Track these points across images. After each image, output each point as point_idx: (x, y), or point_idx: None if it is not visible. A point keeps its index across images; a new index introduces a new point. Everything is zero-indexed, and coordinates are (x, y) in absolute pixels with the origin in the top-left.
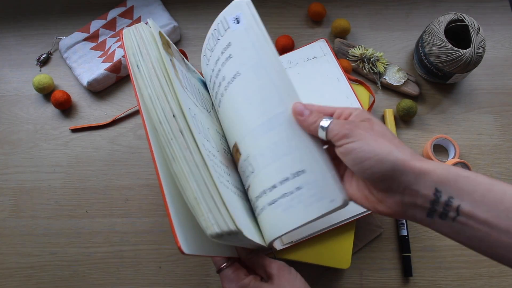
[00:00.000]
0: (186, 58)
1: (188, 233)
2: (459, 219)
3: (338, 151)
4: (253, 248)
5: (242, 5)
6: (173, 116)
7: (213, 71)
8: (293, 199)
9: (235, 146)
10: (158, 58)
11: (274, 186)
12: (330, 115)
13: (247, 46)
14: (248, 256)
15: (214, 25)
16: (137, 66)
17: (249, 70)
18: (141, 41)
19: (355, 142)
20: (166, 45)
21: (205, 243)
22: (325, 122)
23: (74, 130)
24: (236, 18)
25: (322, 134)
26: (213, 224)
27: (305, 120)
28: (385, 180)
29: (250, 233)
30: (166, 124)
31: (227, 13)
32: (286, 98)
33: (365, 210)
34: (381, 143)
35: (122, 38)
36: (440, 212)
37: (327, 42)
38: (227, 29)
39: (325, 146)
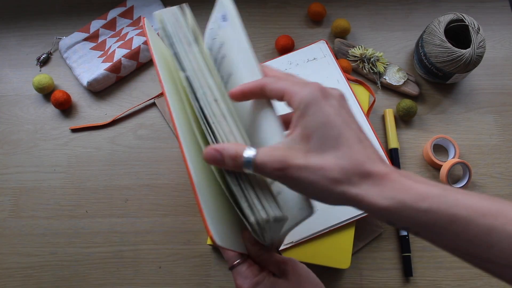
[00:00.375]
0: None
1: (218, 226)
2: (421, 234)
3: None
4: (271, 243)
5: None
6: (215, 100)
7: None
8: None
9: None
10: (194, 40)
11: None
12: (281, 97)
13: (234, 45)
14: (258, 253)
15: (210, 23)
16: (173, 47)
17: (239, 70)
18: (177, 23)
19: (294, 188)
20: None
21: (229, 237)
22: (248, 153)
23: (74, 130)
24: (223, 16)
25: (249, 171)
26: (260, 210)
27: (224, 163)
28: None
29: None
30: (208, 108)
31: (217, 10)
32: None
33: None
34: (322, 181)
35: (155, 18)
36: (399, 227)
37: (327, 43)
38: (220, 27)
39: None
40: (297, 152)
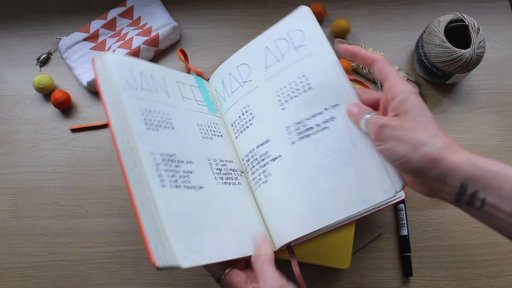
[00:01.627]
0: (186, 57)
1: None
2: (485, 208)
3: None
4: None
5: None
6: (131, 149)
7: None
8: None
9: None
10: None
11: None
12: (383, 80)
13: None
14: (253, 260)
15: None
16: (103, 94)
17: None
18: (104, 72)
19: (383, 145)
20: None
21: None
22: (365, 117)
23: (74, 130)
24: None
25: (363, 127)
26: (158, 258)
27: (353, 117)
28: (413, 173)
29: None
30: (125, 154)
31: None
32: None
33: (364, 211)
34: (407, 142)
35: (94, 64)
36: (466, 201)
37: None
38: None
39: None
40: (395, 120)
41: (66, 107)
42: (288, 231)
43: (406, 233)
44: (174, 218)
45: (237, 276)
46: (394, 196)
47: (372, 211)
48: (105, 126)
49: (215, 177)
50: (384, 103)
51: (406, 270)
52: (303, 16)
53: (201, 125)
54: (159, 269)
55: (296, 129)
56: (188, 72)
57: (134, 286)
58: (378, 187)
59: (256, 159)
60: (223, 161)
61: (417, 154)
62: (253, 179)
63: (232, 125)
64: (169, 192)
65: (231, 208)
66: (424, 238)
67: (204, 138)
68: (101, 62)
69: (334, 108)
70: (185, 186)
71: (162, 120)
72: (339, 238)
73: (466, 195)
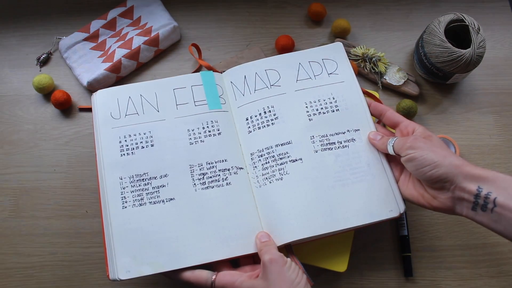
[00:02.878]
0: (199, 51)
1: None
2: (496, 209)
3: (403, 159)
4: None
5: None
6: (102, 178)
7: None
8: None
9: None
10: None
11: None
12: (396, 124)
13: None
14: (261, 248)
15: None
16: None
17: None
18: (95, 110)
19: (416, 152)
20: None
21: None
22: (392, 140)
23: (82, 109)
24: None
25: (390, 150)
26: (110, 271)
27: (377, 143)
28: (440, 181)
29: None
30: (100, 183)
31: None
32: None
33: (363, 223)
34: (438, 153)
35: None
36: (481, 205)
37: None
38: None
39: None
40: (422, 141)
41: (66, 107)
42: (296, 229)
43: (406, 233)
44: (127, 235)
45: (225, 275)
46: (397, 215)
47: (365, 225)
48: None
49: (195, 183)
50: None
51: (406, 270)
52: (338, 49)
53: (192, 130)
54: (112, 280)
55: (320, 141)
56: (200, 67)
57: (134, 286)
58: (386, 206)
59: (273, 156)
60: (211, 163)
61: (446, 161)
62: (263, 174)
63: (246, 120)
64: (129, 212)
65: (209, 213)
66: (424, 238)
67: (192, 144)
68: (94, 100)
69: (356, 132)
70: (150, 202)
71: (141, 140)
72: (338, 242)
73: (481, 197)
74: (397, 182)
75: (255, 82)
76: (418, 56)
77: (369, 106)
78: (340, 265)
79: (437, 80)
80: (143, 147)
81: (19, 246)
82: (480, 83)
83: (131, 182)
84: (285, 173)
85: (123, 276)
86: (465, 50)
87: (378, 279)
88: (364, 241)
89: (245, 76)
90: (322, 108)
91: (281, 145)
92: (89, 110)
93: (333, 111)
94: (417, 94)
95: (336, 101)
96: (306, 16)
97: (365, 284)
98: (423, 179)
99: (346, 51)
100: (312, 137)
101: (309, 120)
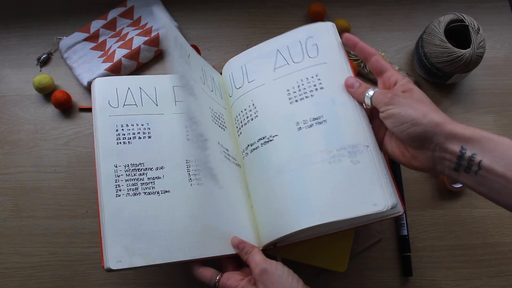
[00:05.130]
0: (199, 52)
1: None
2: (480, 172)
3: (381, 115)
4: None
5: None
6: (98, 164)
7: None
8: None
9: None
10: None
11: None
12: (381, 73)
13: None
14: (245, 257)
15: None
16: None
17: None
18: (94, 96)
19: (394, 108)
20: None
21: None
22: (370, 92)
23: (82, 110)
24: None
25: (368, 101)
26: (104, 260)
27: (355, 91)
28: (419, 139)
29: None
30: (97, 169)
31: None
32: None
33: (366, 220)
34: (417, 109)
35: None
36: (464, 167)
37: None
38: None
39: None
40: (405, 93)
41: (66, 107)
42: (285, 225)
43: (406, 233)
44: (119, 224)
45: (229, 277)
46: (385, 211)
47: (368, 223)
48: None
49: (191, 178)
50: (383, 89)
51: (406, 270)
52: (326, 29)
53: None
54: (106, 270)
55: (304, 122)
56: None
57: (134, 286)
58: (369, 199)
59: (259, 151)
60: None
61: (426, 119)
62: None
63: (235, 118)
64: (122, 201)
65: (204, 209)
66: (424, 238)
67: (189, 140)
68: (93, 87)
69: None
70: (145, 193)
71: (139, 131)
72: (338, 241)
73: (465, 159)
74: (382, 139)
75: (235, 79)
76: (418, 56)
77: (355, 46)
78: (340, 265)
79: (437, 80)
80: (140, 138)
81: (19, 246)
82: (480, 83)
83: (126, 171)
84: (272, 166)
85: (114, 266)
86: (465, 50)
87: (378, 279)
88: (363, 245)
89: (232, 74)
90: (303, 93)
91: (265, 139)
92: (89, 110)
93: (317, 90)
94: None
95: (320, 83)
96: (306, 16)
97: (365, 284)
98: (401, 137)
99: (346, 51)
100: (297, 123)
101: (290, 104)
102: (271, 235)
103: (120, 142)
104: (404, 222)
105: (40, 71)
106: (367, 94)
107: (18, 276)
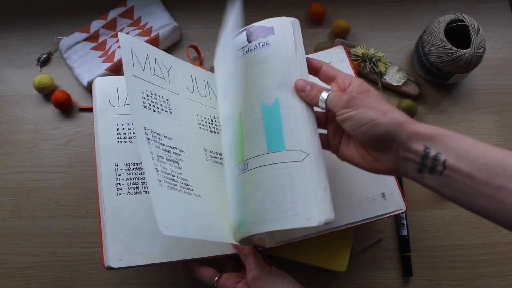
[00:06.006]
0: (199, 52)
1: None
2: (445, 172)
3: (338, 119)
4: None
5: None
6: (99, 162)
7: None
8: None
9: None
10: None
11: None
12: (333, 79)
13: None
14: (243, 258)
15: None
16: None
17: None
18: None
19: (352, 111)
20: None
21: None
22: (324, 95)
23: (82, 110)
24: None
25: (322, 105)
26: (105, 258)
27: (307, 95)
28: (381, 141)
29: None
30: (97, 166)
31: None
32: (297, 105)
33: (365, 218)
34: (376, 109)
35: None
36: (429, 167)
37: (345, 49)
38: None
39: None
40: (360, 94)
41: (66, 107)
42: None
43: (406, 233)
44: (120, 222)
45: (227, 279)
46: (319, 225)
47: (367, 221)
48: None
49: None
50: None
51: (406, 270)
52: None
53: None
54: (107, 268)
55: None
56: None
57: (134, 286)
58: (303, 212)
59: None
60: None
61: (387, 118)
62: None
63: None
64: (123, 199)
65: (202, 209)
66: (424, 238)
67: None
68: (94, 86)
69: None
70: (146, 192)
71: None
72: (338, 241)
73: (429, 159)
74: (339, 144)
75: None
76: (418, 56)
77: (311, 68)
78: (340, 265)
79: (437, 80)
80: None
81: (19, 246)
82: (480, 83)
83: (127, 169)
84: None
85: (115, 264)
86: (465, 50)
87: (378, 279)
88: (364, 245)
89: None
90: None
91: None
92: (89, 110)
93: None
94: (417, 94)
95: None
96: (306, 16)
97: (365, 284)
98: (362, 140)
99: (346, 51)
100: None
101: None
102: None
103: (120, 141)
104: (404, 222)
105: (40, 71)
106: (320, 98)
107: (18, 276)
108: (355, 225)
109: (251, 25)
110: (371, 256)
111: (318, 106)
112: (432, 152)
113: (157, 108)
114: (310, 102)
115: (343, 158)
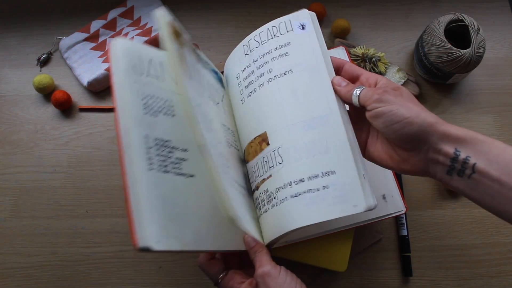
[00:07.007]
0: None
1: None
2: (474, 176)
3: (369, 114)
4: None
5: (309, 15)
6: (127, 130)
7: (255, 61)
8: (317, 196)
9: (263, 135)
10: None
11: (302, 180)
12: (357, 77)
13: (307, 51)
14: (253, 256)
15: (273, 22)
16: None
17: (303, 71)
18: (115, 56)
19: (385, 106)
20: (175, 35)
21: (204, 237)
22: (357, 90)
23: (82, 110)
24: (302, 25)
25: (355, 100)
26: (138, 238)
27: (341, 90)
28: (412, 140)
29: (247, 225)
30: (123, 136)
31: (293, 17)
32: (332, 103)
33: (365, 219)
34: (410, 107)
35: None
36: (458, 169)
37: (346, 49)
38: (290, 31)
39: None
40: (392, 94)
41: (66, 107)
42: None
43: (406, 233)
44: (154, 201)
45: (232, 278)
46: (365, 211)
47: (367, 223)
48: (111, 110)
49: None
50: None
51: (406, 270)
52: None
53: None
54: (139, 250)
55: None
56: None
57: (134, 286)
58: (350, 200)
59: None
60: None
61: (419, 118)
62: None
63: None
64: (155, 176)
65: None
66: (424, 238)
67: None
68: (114, 46)
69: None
70: (174, 173)
71: (164, 106)
72: (338, 241)
73: (459, 162)
74: (365, 144)
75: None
76: (418, 56)
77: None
78: (340, 265)
79: (437, 80)
80: (165, 114)
81: (19, 246)
82: (480, 83)
83: (156, 144)
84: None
85: (156, 246)
86: (465, 50)
87: (378, 279)
88: (363, 245)
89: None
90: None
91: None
92: (89, 110)
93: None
94: (417, 94)
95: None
96: None
97: (365, 284)
98: (392, 138)
99: (347, 52)
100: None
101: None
102: (273, 233)
103: (147, 113)
104: (404, 222)
105: (40, 71)
106: (354, 93)
107: (18, 276)
108: (355, 226)
109: None
110: (371, 256)
111: (351, 101)
112: (462, 155)
113: (159, 112)
114: (344, 96)
115: (369, 158)
